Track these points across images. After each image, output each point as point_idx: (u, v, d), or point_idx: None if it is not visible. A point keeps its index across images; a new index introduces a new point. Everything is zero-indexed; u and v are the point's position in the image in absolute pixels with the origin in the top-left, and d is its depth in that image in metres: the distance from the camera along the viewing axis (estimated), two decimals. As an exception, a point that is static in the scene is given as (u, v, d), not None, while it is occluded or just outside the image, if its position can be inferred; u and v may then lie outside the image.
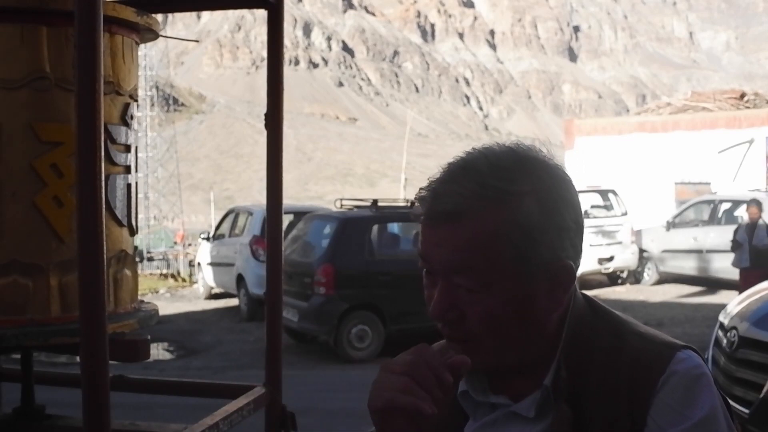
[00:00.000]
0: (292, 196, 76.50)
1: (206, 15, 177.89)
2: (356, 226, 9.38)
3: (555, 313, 1.08)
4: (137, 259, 2.92)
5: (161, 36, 2.89)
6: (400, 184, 33.64)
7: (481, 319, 1.04)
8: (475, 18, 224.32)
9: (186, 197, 62.96)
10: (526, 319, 1.06)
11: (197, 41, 6.70)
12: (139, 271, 4.42)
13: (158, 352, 10.27)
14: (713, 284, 14.00)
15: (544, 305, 1.06)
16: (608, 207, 15.33)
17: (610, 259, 14.76)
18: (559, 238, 1.06)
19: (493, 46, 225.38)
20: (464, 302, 1.05)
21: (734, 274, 11.29)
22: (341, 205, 10.73)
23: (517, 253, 1.04)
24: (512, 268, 1.04)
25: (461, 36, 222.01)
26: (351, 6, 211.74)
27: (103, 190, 1.98)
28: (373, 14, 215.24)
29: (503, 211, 1.03)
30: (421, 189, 1.09)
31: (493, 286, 1.04)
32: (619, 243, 14.86)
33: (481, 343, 1.06)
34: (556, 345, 1.09)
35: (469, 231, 1.03)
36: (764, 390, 3.75)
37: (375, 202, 10.05)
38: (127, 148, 2.55)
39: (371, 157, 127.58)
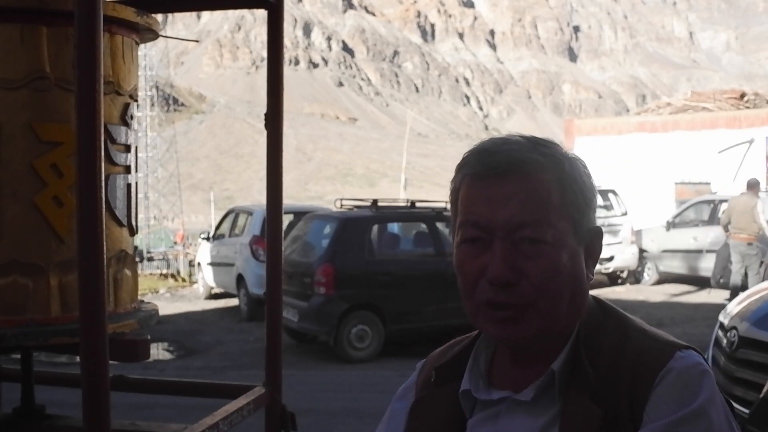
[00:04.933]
0: (292, 196, 76.44)
1: (206, 15, 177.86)
2: (356, 226, 9.37)
3: (589, 285, 1.11)
4: (137, 259, 2.91)
5: (161, 36, 2.88)
6: (400, 184, 33.63)
7: (543, 273, 1.04)
8: (475, 18, 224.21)
9: (186, 197, 62.89)
10: (577, 281, 1.08)
11: (197, 41, 6.67)
12: (139, 271, 4.42)
13: (158, 352, 10.27)
14: (713, 284, 13.98)
15: (584, 271, 1.10)
16: (608, 207, 15.31)
17: (610, 259, 14.75)
18: (596, 206, 1.12)
19: (493, 46, 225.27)
20: (527, 258, 1.05)
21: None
22: (341, 205, 10.72)
23: (576, 207, 1.07)
24: (573, 222, 1.07)
25: (461, 36, 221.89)
26: (351, 6, 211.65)
27: (103, 190, 1.97)
28: (373, 14, 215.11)
29: (561, 167, 1.08)
30: (461, 161, 1.11)
31: (558, 238, 1.05)
32: (619, 243, 14.85)
33: (532, 307, 1.05)
34: (566, 336, 1.10)
35: (536, 181, 1.05)
36: (764, 390, 3.75)
37: (375, 202, 10.04)
38: (127, 148, 2.55)
39: (371, 157, 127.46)
